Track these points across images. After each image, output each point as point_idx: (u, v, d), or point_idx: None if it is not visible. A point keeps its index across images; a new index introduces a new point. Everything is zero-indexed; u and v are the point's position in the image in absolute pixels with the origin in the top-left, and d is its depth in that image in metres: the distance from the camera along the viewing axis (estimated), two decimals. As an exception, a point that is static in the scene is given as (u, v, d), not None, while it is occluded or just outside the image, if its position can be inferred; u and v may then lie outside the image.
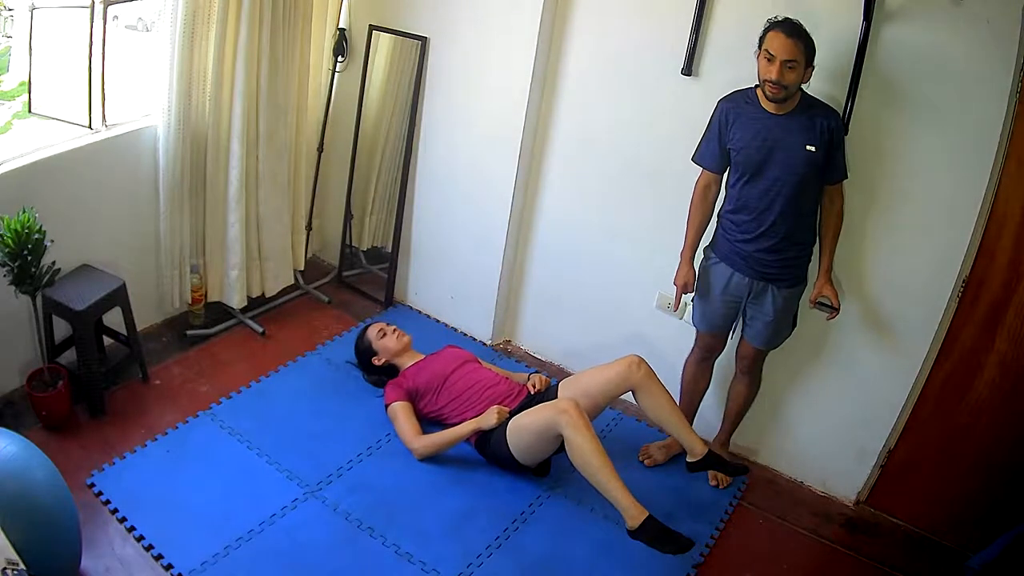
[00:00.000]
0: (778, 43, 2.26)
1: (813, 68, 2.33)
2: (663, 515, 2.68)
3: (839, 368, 2.79)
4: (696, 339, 2.81)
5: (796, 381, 2.86)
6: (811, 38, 2.28)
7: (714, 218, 2.66)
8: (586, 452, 2.40)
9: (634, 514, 2.37)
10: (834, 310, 2.57)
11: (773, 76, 2.28)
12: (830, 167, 2.42)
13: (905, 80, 2.41)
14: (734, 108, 2.46)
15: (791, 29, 2.26)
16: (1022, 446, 2.56)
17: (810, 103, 2.41)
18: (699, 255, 2.71)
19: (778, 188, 2.41)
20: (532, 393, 2.85)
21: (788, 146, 2.38)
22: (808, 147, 2.36)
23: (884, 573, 2.64)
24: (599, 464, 2.40)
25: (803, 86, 2.38)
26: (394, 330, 3.12)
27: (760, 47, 2.32)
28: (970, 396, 2.61)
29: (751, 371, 2.76)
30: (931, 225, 2.50)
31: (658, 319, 3.10)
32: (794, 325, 2.69)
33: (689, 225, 2.66)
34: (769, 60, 2.29)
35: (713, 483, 2.87)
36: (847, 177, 2.47)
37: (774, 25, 2.29)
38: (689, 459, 2.64)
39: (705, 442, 2.67)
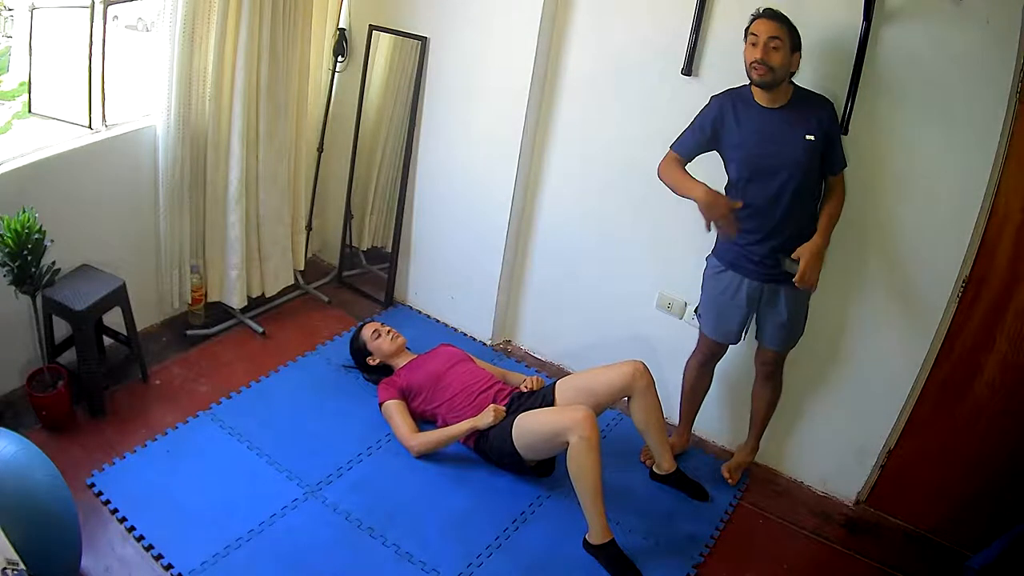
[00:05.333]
0: (762, 26, 2.31)
1: (800, 55, 2.35)
2: (663, 515, 2.72)
3: (839, 368, 2.79)
4: (699, 343, 2.80)
5: (796, 381, 2.85)
6: (795, 27, 2.32)
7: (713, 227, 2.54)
8: (587, 468, 2.42)
9: (601, 532, 2.45)
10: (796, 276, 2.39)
11: (758, 55, 2.30)
12: (829, 157, 2.42)
13: (905, 80, 2.41)
14: (730, 106, 2.45)
15: (774, 14, 2.32)
16: (1022, 446, 2.56)
17: (803, 95, 2.42)
18: (701, 264, 2.68)
19: (784, 184, 2.40)
20: (524, 391, 2.86)
21: (789, 140, 2.38)
22: (807, 136, 2.37)
23: (884, 573, 2.64)
24: (593, 483, 2.43)
25: (795, 81, 2.39)
26: (388, 331, 3.12)
27: (745, 39, 2.36)
28: (970, 396, 2.60)
29: (774, 376, 2.74)
30: (931, 225, 2.49)
31: (658, 319, 3.10)
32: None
33: (674, 175, 2.49)
34: (754, 44, 2.32)
35: (725, 474, 2.91)
36: (846, 165, 2.46)
37: (757, 16, 2.34)
38: (656, 471, 2.82)
39: (675, 459, 2.82)
